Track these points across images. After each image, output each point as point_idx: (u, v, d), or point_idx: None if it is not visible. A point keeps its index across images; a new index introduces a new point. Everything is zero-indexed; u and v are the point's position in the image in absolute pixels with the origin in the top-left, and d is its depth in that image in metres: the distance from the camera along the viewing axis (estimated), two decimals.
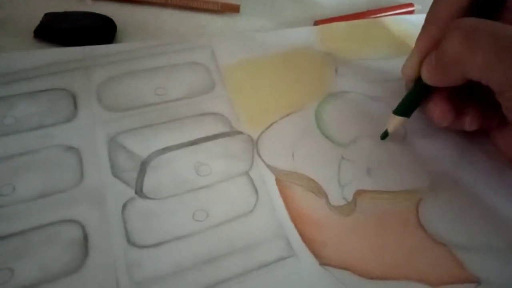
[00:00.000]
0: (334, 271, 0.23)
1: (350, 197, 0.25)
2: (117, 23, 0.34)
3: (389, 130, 0.28)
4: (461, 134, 0.28)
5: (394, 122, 0.28)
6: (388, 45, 0.35)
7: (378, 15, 0.38)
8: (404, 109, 0.27)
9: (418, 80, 0.27)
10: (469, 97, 0.26)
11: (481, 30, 0.22)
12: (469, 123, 0.26)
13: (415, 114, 0.28)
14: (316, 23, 0.37)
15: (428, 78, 0.26)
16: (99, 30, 0.33)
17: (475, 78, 0.23)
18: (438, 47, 0.24)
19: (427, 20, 0.27)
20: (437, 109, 0.26)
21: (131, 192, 0.25)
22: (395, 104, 0.28)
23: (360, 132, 0.29)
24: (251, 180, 0.26)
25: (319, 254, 0.23)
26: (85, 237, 0.23)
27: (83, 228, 0.23)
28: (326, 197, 0.25)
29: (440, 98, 0.26)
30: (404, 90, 0.29)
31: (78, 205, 0.24)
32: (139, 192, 0.25)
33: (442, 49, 0.24)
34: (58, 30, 0.32)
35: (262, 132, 0.28)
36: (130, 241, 0.23)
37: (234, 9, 0.37)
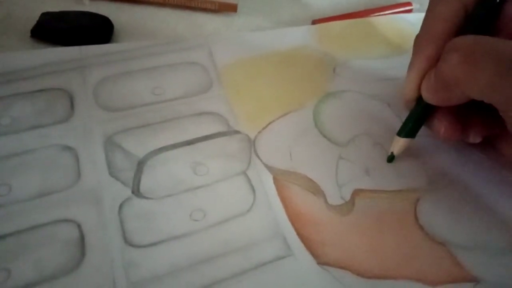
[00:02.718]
0: (332, 270, 0.22)
1: (348, 197, 0.25)
2: (114, 23, 0.34)
3: (395, 153, 0.27)
4: None
5: (399, 144, 0.27)
6: (386, 44, 0.35)
7: (376, 14, 0.38)
8: (408, 131, 0.26)
9: (419, 100, 0.26)
10: (471, 108, 0.25)
11: (481, 50, 0.21)
12: (473, 136, 0.26)
13: None
14: (314, 22, 0.37)
15: (429, 98, 0.25)
16: (96, 30, 0.33)
17: (478, 98, 0.22)
18: (436, 67, 0.24)
19: (421, 38, 0.26)
20: (443, 127, 0.25)
21: (128, 192, 0.24)
22: (393, 102, 0.28)
23: (359, 131, 0.29)
24: (249, 180, 0.26)
25: (317, 253, 0.23)
26: (82, 237, 0.23)
27: (79, 228, 0.23)
28: (324, 196, 0.25)
29: (444, 115, 0.25)
30: (406, 110, 0.27)
31: (75, 205, 0.24)
32: (136, 191, 0.25)
33: (440, 70, 0.23)
34: (55, 30, 0.32)
35: (260, 132, 0.28)
36: (127, 241, 0.23)
37: (232, 9, 0.37)
